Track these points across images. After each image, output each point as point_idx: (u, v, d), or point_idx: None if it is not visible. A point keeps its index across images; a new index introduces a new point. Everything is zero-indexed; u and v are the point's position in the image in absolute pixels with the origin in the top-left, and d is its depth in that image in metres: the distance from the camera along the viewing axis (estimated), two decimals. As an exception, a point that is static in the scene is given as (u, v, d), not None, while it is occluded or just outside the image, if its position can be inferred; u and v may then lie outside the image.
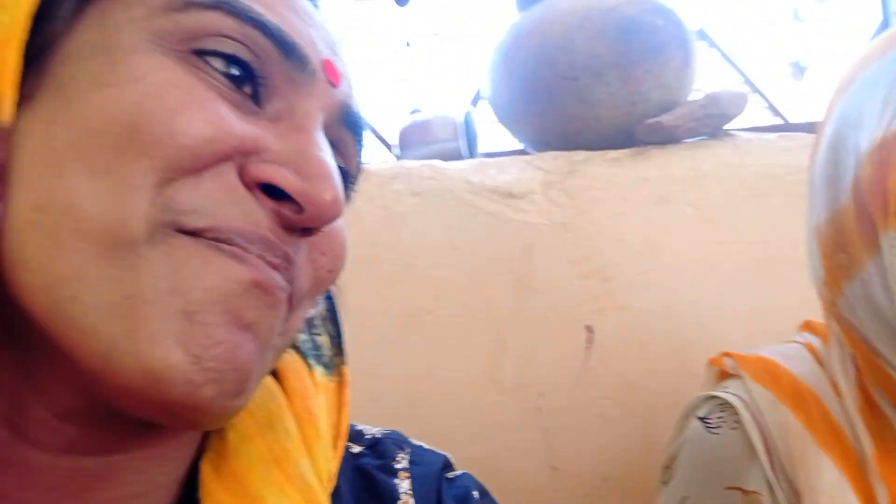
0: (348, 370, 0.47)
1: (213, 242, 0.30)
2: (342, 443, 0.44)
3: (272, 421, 0.39)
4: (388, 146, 1.50)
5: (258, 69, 0.33)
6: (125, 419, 0.31)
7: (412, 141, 1.17)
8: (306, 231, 0.34)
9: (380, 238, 1.00)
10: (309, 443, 0.40)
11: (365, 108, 0.41)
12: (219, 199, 0.31)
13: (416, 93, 1.74)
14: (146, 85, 0.30)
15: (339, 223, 0.37)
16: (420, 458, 0.48)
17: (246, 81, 0.33)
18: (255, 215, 0.31)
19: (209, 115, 0.31)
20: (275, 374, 0.42)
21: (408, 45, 1.71)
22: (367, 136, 0.42)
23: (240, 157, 0.32)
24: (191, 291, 0.29)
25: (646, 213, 1.01)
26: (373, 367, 0.96)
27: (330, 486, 0.40)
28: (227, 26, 0.32)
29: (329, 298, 0.48)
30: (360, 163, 0.41)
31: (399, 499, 0.44)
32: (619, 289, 0.98)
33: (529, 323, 0.97)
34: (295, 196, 0.32)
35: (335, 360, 0.47)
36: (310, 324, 0.47)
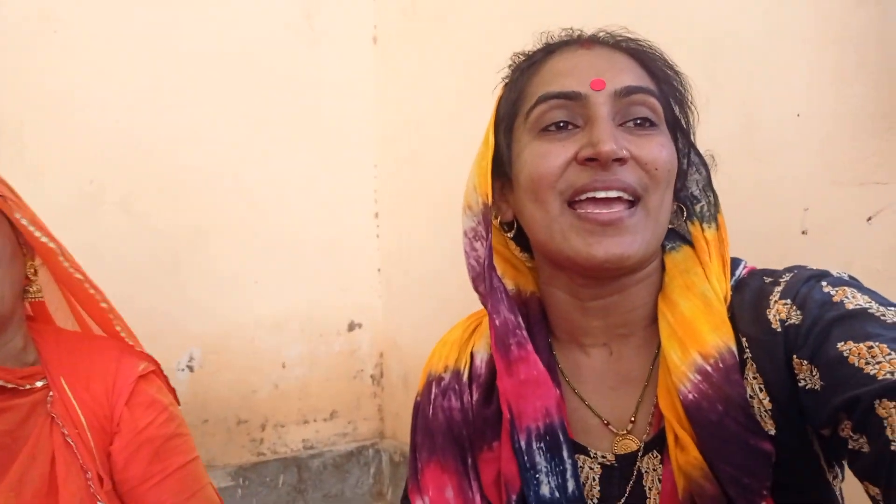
0: (722, 216, 0.82)
1: (579, 204, 0.75)
2: (727, 268, 0.79)
3: (686, 269, 0.79)
4: None
5: (566, 116, 0.77)
6: (604, 279, 0.78)
7: None
8: (617, 161, 0.73)
9: None
10: (708, 276, 0.77)
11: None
12: (572, 177, 0.75)
13: None
14: (528, 163, 0.78)
15: (650, 148, 0.75)
16: (800, 271, 0.75)
17: (567, 123, 0.77)
18: (589, 173, 0.74)
19: (551, 160, 0.75)
20: (692, 243, 0.81)
21: None
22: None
23: (573, 158, 0.75)
24: (577, 228, 0.74)
25: None
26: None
27: (726, 301, 0.76)
28: (543, 109, 0.77)
29: (707, 170, 0.84)
30: (661, 99, 0.78)
31: (771, 293, 0.73)
32: None
33: None
34: (592, 156, 0.73)
35: (714, 212, 0.82)
36: (704, 191, 0.83)
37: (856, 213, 1.17)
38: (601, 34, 0.83)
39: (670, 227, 0.81)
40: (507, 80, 0.87)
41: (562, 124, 0.77)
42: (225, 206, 1.98)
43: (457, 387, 0.87)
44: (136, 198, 1.87)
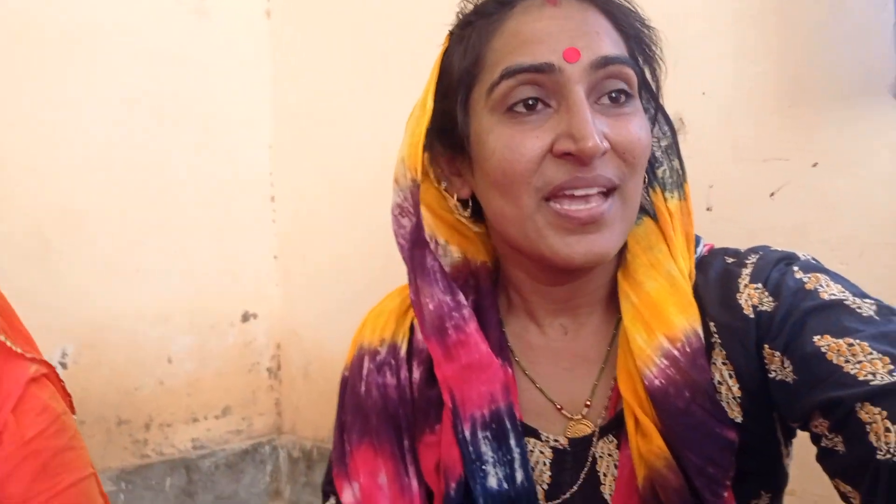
0: (688, 186, 0.77)
1: (556, 199, 0.67)
2: (692, 244, 0.74)
3: (650, 245, 0.74)
4: None
5: (536, 93, 0.68)
6: (566, 270, 0.72)
7: None
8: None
9: None
10: (672, 252, 0.73)
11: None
12: (549, 174, 0.67)
13: None
14: (496, 153, 0.69)
15: (629, 132, 0.68)
16: (766, 253, 0.71)
17: (537, 100, 0.68)
18: (567, 169, 0.67)
19: (524, 152, 0.67)
20: (655, 216, 0.76)
21: None
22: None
23: (549, 150, 0.67)
24: (554, 226, 0.68)
25: None
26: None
27: (691, 279, 0.72)
28: (510, 85, 0.68)
29: (673, 131, 0.77)
30: (639, 70, 0.72)
31: (739, 276, 0.70)
32: None
33: None
34: (573, 153, 0.66)
35: (680, 180, 0.77)
36: (667, 153, 0.77)
37: (759, 189, 1.19)
38: None
39: None
40: (455, 34, 0.76)
41: (531, 102, 0.68)
42: (102, 185, 1.80)
43: (393, 362, 0.79)
44: (0, 177, 1.67)
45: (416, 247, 0.77)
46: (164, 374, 1.89)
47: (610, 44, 0.70)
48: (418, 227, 0.76)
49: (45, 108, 1.74)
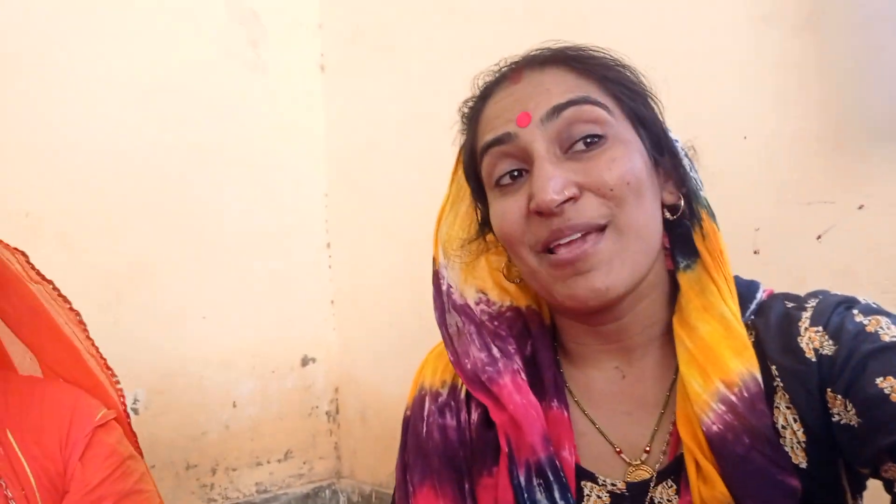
0: (710, 223, 0.76)
1: (552, 250, 0.71)
2: (731, 284, 0.74)
3: (702, 289, 0.74)
4: None
5: (513, 164, 0.74)
6: (589, 312, 0.75)
7: None
8: (568, 201, 0.69)
9: None
10: (721, 293, 0.73)
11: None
12: (535, 231, 0.72)
13: None
14: (495, 224, 0.77)
15: (599, 170, 0.70)
16: (826, 297, 0.72)
17: (520, 171, 0.74)
18: (546, 224, 0.71)
19: (510, 217, 0.74)
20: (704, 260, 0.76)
21: None
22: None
23: (529, 210, 0.72)
24: (554, 275, 0.72)
25: None
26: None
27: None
28: (489, 163, 0.76)
29: (677, 162, 0.77)
30: (603, 103, 0.73)
31: (799, 320, 0.70)
32: None
33: None
34: (536, 209, 0.70)
35: (699, 215, 0.77)
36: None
37: (805, 231, 1.19)
38: (532, 53, 0.78)
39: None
40: (461, 132, 0.85)
41: (515, 173, 0.74)
42: (169, 239, 1.91)
43: (453, 404, 0.83)
44: (76, 232, 1.79)
45: (445, 313, 0.85)
46: (229, 418, 1.97)
47: (561, 94, 0.72)
48: (439, 302, 0.86)
49: (115, 168, 1.85)
